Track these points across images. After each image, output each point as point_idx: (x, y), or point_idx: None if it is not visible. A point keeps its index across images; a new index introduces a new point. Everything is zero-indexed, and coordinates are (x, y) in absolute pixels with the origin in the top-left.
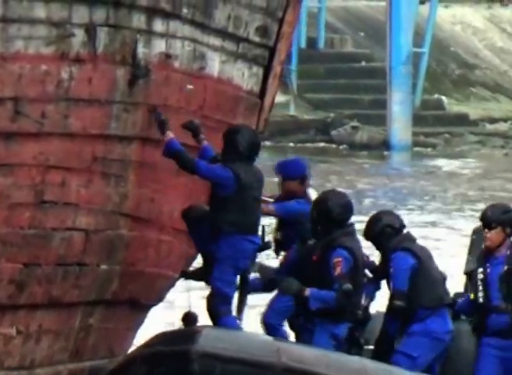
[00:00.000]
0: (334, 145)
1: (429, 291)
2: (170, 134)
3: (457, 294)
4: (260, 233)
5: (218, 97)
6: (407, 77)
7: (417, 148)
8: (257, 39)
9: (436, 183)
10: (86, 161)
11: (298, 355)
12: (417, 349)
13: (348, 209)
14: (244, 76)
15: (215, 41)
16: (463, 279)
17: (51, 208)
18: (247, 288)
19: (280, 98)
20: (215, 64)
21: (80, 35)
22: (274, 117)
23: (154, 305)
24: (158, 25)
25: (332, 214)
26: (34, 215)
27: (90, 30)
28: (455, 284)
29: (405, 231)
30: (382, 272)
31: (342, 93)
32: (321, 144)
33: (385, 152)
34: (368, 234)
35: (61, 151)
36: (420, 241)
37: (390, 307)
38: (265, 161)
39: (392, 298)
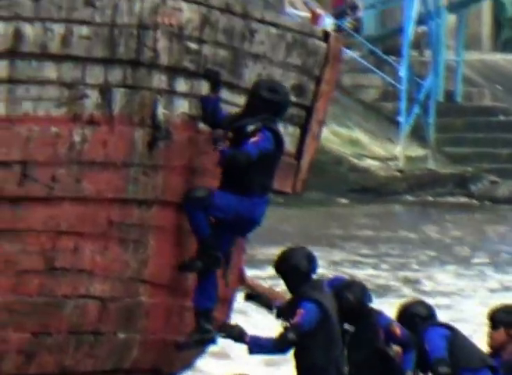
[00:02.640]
0: (474, 199)
1: (471, 352)
2: (222, 145)
3: None
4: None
5: None
6: None
7: None
8: (292, 98)
9: None
10: (101, 226)
11: None
12: None
13: (312, 261)
14: None
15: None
16: None
17: (62, 275)
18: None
19: (418, 152)
20: None
21: (93, 96)
22: (412, 171)
23: (180, 373)
24: (181, 84)
25: (299, 268)
26: (44, 282)
27: (105, 90)
28: None
29: None
30: None
31: (480, 147)
32: (461, 199)
33: None
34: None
35: (73, 215)
36: None
37: None
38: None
39: (435, 367)
